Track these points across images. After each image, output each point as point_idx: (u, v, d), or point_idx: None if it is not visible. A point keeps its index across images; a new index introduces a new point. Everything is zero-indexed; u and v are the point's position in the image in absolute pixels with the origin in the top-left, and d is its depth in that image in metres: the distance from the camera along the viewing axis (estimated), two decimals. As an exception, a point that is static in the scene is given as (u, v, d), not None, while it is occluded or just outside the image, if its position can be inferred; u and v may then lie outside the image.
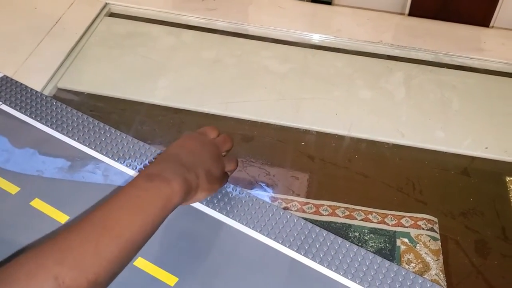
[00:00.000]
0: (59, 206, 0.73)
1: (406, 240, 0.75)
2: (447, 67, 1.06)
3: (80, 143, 0.82)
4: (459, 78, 1.03)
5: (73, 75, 0.99)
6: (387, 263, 0.68)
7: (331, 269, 0.67)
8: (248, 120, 0.93)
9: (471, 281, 0.72)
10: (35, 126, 0.84)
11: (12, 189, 0.75)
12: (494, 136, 0.91)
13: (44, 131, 0.84)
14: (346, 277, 0.67)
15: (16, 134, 0.83)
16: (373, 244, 0.74)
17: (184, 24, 1.14)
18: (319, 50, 1.09)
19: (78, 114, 0.87)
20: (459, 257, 0.74)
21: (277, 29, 1.12)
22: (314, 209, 0.78)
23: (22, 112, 0.86)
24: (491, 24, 1.14)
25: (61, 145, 0.82)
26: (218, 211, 0.73)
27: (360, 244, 0.74)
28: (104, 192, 0.75)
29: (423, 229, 0.76)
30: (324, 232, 0.71)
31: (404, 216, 0.78)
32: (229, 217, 0.73)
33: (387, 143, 0.90)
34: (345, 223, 0.76)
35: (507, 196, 0.83)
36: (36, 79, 0.95)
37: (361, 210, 0.79)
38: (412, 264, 0.72)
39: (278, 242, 0.70)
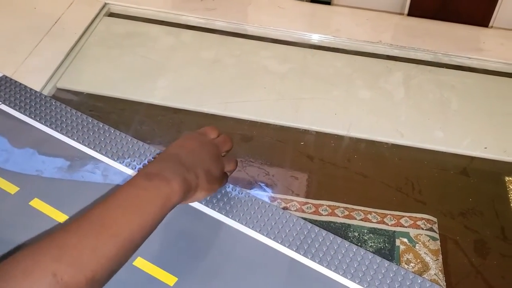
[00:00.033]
0: (59, 206, 0.73)
1: (405, 240, 0.75)
2: (446, 67, 1.06)
3: (80, 143, 0.82)
4: (458, 78, 1.03)
5: (72, 75, 0.99)
6: (386, 263, 0.68)
7: (331, 269, 0.67)
8: (248, 120, 0.93)
9: (470, 281, 0.72)
10: (34, 126, 0.84)
11: (12, 189, 0.75)
12: (493, 136, 0.91)
13: (44, 131, 0.84)
14: (346, 276, 0.67)
15: (15, 134, 0.83)
16: (373, 244, 0.74)
17: (183, 24, 1.14)
18: (318, 50, 1.09)
19: (78, 114, 0.87)
20: (459, 257, 0.75)
21: (277, 29, 1.12)
22: (313, 209, 0.78)
23: (21, 112, 0.86)
24: (490, 24, 1.14)
25: (61, 145, 0.82)
26: (218, 211, 0.73)
27: (359, 244, 0.74)
28: (104, 191, 0.75)
29: (423, 229, 0.76)
30: (324, 232, 0.71)
31: (403, 216, 0.78)
32: (228, 217, 0.73)
33: (386, 143, 0.90)
34: (344, 223, 0.76)
35: (506, 196, 0.83)
36: (35, 79, 0.95)
37: (361, 210, 0.79)
38: (412, 264, 0.72)
39: (278, 242, 0.70)
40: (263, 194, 0.80)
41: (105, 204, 0.53)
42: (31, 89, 0.91)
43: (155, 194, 0.55)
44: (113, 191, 0.55)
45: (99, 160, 0.80)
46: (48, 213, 0.72)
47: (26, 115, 0.86)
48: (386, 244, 0.74)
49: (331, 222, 0.77)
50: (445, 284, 0.70)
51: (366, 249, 0.70)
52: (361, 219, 0.77)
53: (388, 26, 1.14)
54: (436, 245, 0.74)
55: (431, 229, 0.76)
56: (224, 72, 1.02)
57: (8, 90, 0.90)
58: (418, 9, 1.15)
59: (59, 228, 0.51)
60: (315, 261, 0.68)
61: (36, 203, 0.73)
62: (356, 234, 0.75)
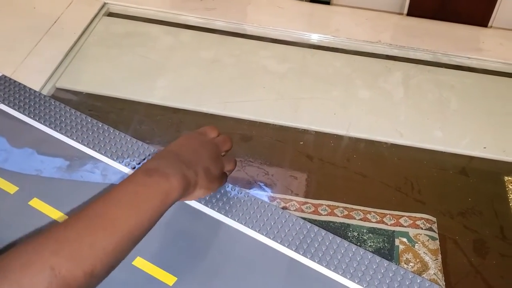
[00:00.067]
0: (58, 206, 0.73)
1: (404, 239, 0.75)
2: (446, 67, 1.06)
3: (79, 142, 0.82)
4: (457, 78, 1.03)
5: (71, 74, 0.99)
6: (385, 262, 0.68)
7: (330, 269, 0.67)
8: (247, 120, 0.93)
9: (469, 281, 0.72)
10: (33, 126, 0.84)
11: (11, 188, 0.75)
12: (492, 135, 0.91)
13: (43, 131, 0.84)
14: (345, 276, 0.67)
15: (14, 134, 0.83)
16: (372, 244, 0.74)
17: (182, 24, 1.14)
18: (317, 50, 1.09)
19: (77, 113, 0.87)
20: (458, 256, 0.75)
21: (276, 29, 1.12)
22: (312, 209, 0.78)
23: (20, 112, 0.86)
24: (489, 24, 1.14)
25: (60, 145, 0.82)
26: (217, 211, 0.73)
27: (358, 243, 0.74)
28: (103, 191, 0.75)
29: (422, 228, 0.76)
30: (323, 232, 0.71)
31: (402, 216, 0.78)
32: (227, 216, 0.73)
33: (386, 143, 0.90)
34: (343, 223, 0.77)
35: (506, 195, 0.83)
36: (34, 79, 0.95)
37: (360, 209, 0.79)
38: (411, 264, 0.72)
39: (277, 242, 0.70)
40: (262, 194, 0.80)
41: (105, 200, 0.53)
42: (30, 88, 0.91)
43: (154, 190, 0.55)
44: (112, 187, 0.55)
45: (99, 159, 0.80)
46: (48, 213, 0.72)
47: (25, 114, 0.86)
48: (386, 244, 0.74)
49: (331, 221, 0.77)
50: (444, 283, 0.71)
51: (365, 249, 0.70)
52: (361, 219, 0.77)
53: (388, 26, 1.14)
54: (435, 245, 0.75)
55: (430, 229, 0.76)
56: (224, 72, 1.02)
57: (7, 90, 0.90)
58: (418, 9, 1.15)
59: (58, 223, 0.51)
60: (314, 261, 0.68)
61: (36, 203, 0.73)
62: (356, 233, 0.75)
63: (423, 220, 0.78)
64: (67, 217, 0.71)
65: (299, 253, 0.69)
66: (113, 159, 0.80)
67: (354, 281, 0.66)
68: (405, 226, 0.77)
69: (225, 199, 0.75)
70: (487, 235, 0.77)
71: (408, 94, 0.99)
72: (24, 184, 0.76)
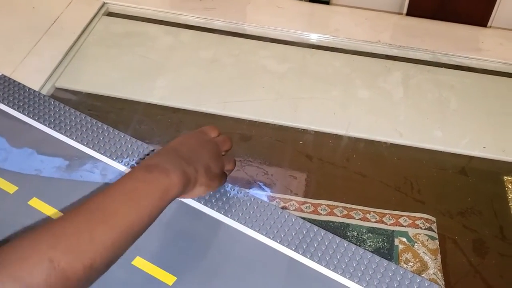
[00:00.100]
0: (57, 205, 0.73)
1: (404, 239, 0.75)
2: (445, 67, 1.06)
3: (78, 142, 0.82)
4: (457, 77, 1.03)
5: (71, 74, 0.99)
6: (385, 262, 0.68)
7: (330, 269, 0.67)
8: (246, 120, 0.93)
9: (469, 280, 0.72)
10: (33, 126, 0.84)
11: (10, 188, 0.75)
12: (492, 135, 0.91)
13: (42, 131, 0.84)
14: (345, 276, 0.67)
15: (14, 134, 0.83)
16: (371, 244, 0.74)
17: (182, 24, 1.14)
18: (317, 50, 1.09)
19: (76, 113, 0.87)
20: (457, 256, 0.75)
21: (275, 29, 1.12)
22: (312, 209, 0.78)
23: (20, 112, 0.86)
24: (489, 24, 1.14)
25: (59, 144, 0.82)
26: (216, 211, 0.74)
27: (358, 243, 0.74)
28: (102, 191, 0.75)
29: (421, 228, 0.76)
30: (322, 232, 0.71)
31: (402, 216, 0.78)
32: (227, 216, 0.73)
33: (385, 143, 0.90)
34: (343, 223, 0.77)
35: (505, 195, 0.83)
36: (34, 79, 0.95)
37: (359, 209, 0.79)
38: (410, 263, 0.72)
39: (277, 242, 0.70)
40: (262, 194, 0.80)
41: (104, 195, 0.53)
42: (29, 88, 0.91)
43: (154, 186, 0.56)
44: (112, 183, 0.55)
45: (98, 159, 0.80)
46: (47, 213, 0.72)
47: (24, 114, 0.86)
48: (385, 244, 0.74)
49: (330, 221, 0.77)
50: (443, 283, 0.71)
51: (365, 249, 0.70)
52: (360, 219, 0.77)
53: (387, 26, 1.14)
54: (434, 245, 0.75)
55: (429, 229, 0.76)
56: (223, 72, 1.02)
57: (7, 90, 0.90)
58: (417, 9, 1.15)
59: (57, 217, 0.51)
60: (314, 261, 0.68)
61: (35, 203, 0.73)
62: (355, 233, 0.75)
63: (422, 220, 0.78)
64: (66, 216, 0.71)
65: (299, 253, 0.69)
66: (112, 159, 0.80)
67: (354, 281, 0.66)
68: (405, 226, 0.77)
69: (224, 199, 0.75)
70: (486, 235, 0.78)
71: (408, 94, 0.99)
72: (24, 184, 0.76)
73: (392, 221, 0.77)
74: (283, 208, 0.78)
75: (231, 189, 0.76)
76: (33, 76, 0.95)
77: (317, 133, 0.91)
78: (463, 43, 1.10)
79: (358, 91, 0.99)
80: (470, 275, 0.73)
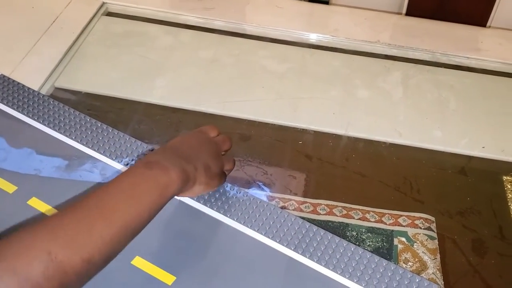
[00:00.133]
0: (57, 205, 0.73)
1: (403, 239, 0.75)
2: (445, 67, 1.06)
3: (78, 142, 0.82)
4: (456, 77, 1.03)
5: (70, 74, 0.99)
6: (384, 262, 0.68)
7: (329, 268, 0.67)
8: (246, 120, 0.93)
9: (468, 280, 0.72)
10: (32, 125, 0.84)
11: (10, 188, 0.75)
12: (491, 135, 0.92)
13: (42, 130, 0.84)
14: (344, 276, 0.67)
15: (13, 133, 0.83)
16: (371, 243, 0.74)
17: (181, 24, 1.14)
18: (316, 50, 1.09)
19: (76, 113, 0.87)
20: (456, 256, 0.75)
21: (275, 29, 1.12)
22: (311, 208, 0.78)
23: (19, 111, 0.86)
24: (488, 24, 1.14)
25: (59, 144, 0.82)
26: (216, 210, 0.73)
27: (357, 243, 0.74)
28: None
29: (421, 228, 0.76)
30: (322, 231, 0.71)
31: (401, 215, 0.78)
32: (226, 216, 0.73)
33: (385, 143, 0.90)
34: (342, 222, 0.77)
35: (504, 195, 0.83)
36: (33, 78, 0.95)
37: (359, 209, 0.79)
38: (410, 263, 0.72)
39: (276, 241, 0.70)
40: (261, 193, 0.80)
41: (103, 191, 0.53)
42: (29, 88, 0.91)
43: (153, 183, 0.56)
44: (112, 179, 0.55)
45: (97, 159, 0.80)
46: (46, 212, 0.72)
47: (24, 114, 0.86)
48: (384, 243, 0.74)
49: (329, 221, 0.77)
50: (443, 283, 0.71)
51: (364, 248, 0.70)
52: (359, 218, 0.77)
53: (386, 26, 1.14)
54: (434, 244, 0.75)
55: (429, 228, 0.76)
56: (223, 72, 1.02)
57: (6, 90, 0.90)
58: (416, 9, 1.15)
59: (56, 212, 0.51)
60: (313, 260, 0.68)
61: (34, 202, 0.73)
62: (354, 233, 0.75)
63: (422, 220, 0.78)
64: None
65: (298, 253, 0.69)
66: (112, 159, 0.80)
67: (353, 280, 0.66)
68: (404, 226, 0.77)
69: (224, 199, 0.75)
70: (485, 234, 0.78)
71: (407, 94, 0.99)
72: (23, 184, 0.76)
73: (391, 221, 0.77)
74: (283, 207, 0.78)
75: (230, 189, 0.76)
76: (33, 75, 0.95)
77: (317, 133, 0.91)
78: (463, 43, 1.10)
79: (358, 91, 0.99)
80: (469, 275, 0.73)
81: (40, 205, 0.73)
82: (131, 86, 0.98)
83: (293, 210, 0.78)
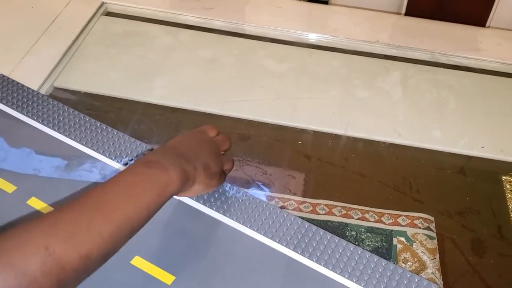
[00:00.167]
0: (56, 205, 0.73)
1: (402, 239, 0.75)
2: (444, 67, 1.06)
3: (77, 141, 0.82)
4: (455, 77, 1.03)
5: (69, 74, 0.99)
6: (383, 262, 0.68)
7: (328, 268, 0.68)
8: (245, 119, 0.93)
9: (467, 280, 0.72)
10: (31, 125, 0.84)
11: (9, 188, 0.75)
12: (490, 135, 0.92)
13: (41, 130, 0.84)
14: (343, 276, 0.67)
15: (12, 133, 0.83)
16: (370, 243, 0.74)
17: (181, 24, 1.14)
18: (316, 50, 1.09)
19: (75, 113, 0.87)
20: (456, 255, 0.75)
21: (274, 29, 1.12)
22: (310, 208, 0.78)
23: (18, 111, 0.86)
24: (487, 24, 1.14)
25: (58, 144, 0.82)
26: (215, 210, 0.74)
27: (356, 243, 0.74)
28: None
29: (420, 228, 0.76)
30: (321, 231, 0.71)
31: (400, 215, 0.78)
32: (226, 216, 0.73)
33: (384, 143, 0.91)
34: (341, 222, 0.77)
35: (503, 195, 0.83)
36: (32, 78, 0.95)
37: (358, 209, 0.79)
38: (409, 263, 0.72)
39: (275, 241, 0.70)
40: (260, 193, 0.80)
41: (103, 189, 0.53)
42: (28, 88, 0.91)
43: (153, 182, 0.56)
44: (111, 177, 0.55)
45: (97, 159, 0.80)
46: (42, 210, 0.72)
47: (23, 114, 0.86)
48: (383, 243, 0.74)
49: (329, 221, 0.77)
50: (442, 283, 0.71)
51: (363, 248, 0.70)
52: (359, 218, 0.77)
53: (386, 26, 1.14)
54: (433, 244, 0.75)
55: (428, 228, 0.77)
56: (222, 72, 1.02)
57: (5, 89, 0.90)
58: (416, 9, 1.15)
59: (55, 209, 0.51)
60: (312, 260, 0.68)
61: (34, 202, 0.73)
62: (354, 233, 0.75)
63: (421, 220, 0.78)
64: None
65: (297, 252, 0.69)
66: (111, 159, 0.80)
67: (352, 280, 0.66)
68: (403, 226, 0.77)
69: (223, 198, 0.75)
70: (485, 234, 0.78)
71: (407, 94, 0.99)
72: (23, 184, 0.76)
73: (390, 221, 0.77)
74: (282, 207, 0.78)
75: (230, 189, 0.76)
76: (32, 75, 0.95)
77: (316, 133, 0.92)
78: (462, 43, 1.10)
79: (357, 91, 0.99)
80: (468, 275, 0.73)
81: (39, 205, 0.73)
82: (130, 86, 0.98)
83: (292, 210, 0.78)
